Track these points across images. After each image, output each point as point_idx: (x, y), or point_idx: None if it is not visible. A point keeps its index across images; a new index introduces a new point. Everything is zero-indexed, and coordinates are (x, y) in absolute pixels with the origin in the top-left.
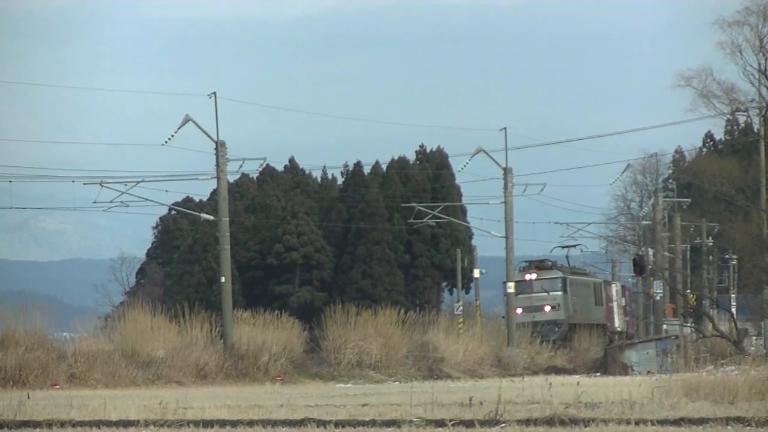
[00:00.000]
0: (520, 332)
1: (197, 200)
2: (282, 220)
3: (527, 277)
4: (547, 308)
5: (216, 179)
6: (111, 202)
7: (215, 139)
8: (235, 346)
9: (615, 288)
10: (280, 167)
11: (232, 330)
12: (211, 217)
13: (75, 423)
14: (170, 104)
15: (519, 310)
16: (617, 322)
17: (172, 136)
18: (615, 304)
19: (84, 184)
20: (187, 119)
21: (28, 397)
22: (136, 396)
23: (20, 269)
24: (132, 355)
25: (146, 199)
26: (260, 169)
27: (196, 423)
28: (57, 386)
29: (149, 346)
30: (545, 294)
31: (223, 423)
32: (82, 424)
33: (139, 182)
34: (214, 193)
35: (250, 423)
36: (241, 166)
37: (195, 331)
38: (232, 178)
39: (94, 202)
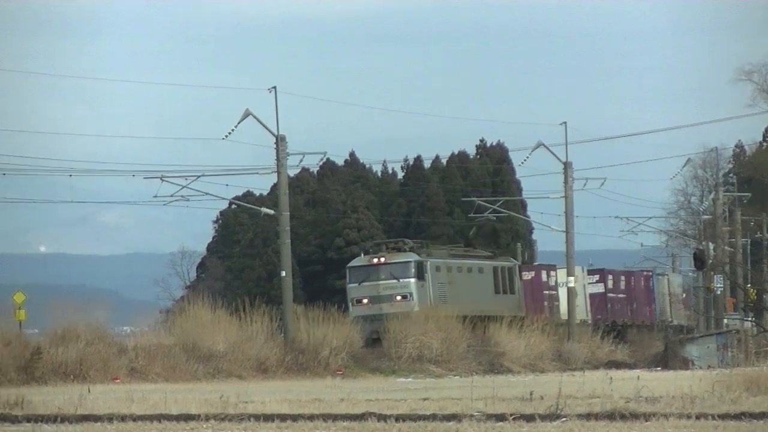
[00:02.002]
0: (578, 328)
1: (257, 194)
2: (342, 214)
3: (374, 260)
4: (398, 297)
5: (276, 173)
6: (171, 196)
7: (275, 133)
8: (295, 341)
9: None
10: (340, 161)
11: (293, 324)
12: (272, 212)
13: (136, 417)
14: (230, 99)
15: (365, 300)
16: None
17: (233, 130)
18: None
19: (144, 178)
20: (247, 113)
21: (89, 391)
22: (197, 390)
23: (81, 263)
24: (192, 349)
25: (207, 194)
26: (320, 163)
27: (257, 417)
28: (117, 380)
29: (210, 340)
30: (395, 281)
31: (283, 417)
32: (143, 418)
33: (199, 176)
34: (275, 188)
35: (311, 417)
36: (301, 161)
37: (255, 326)
38: (292, 173)
39: (155, 197)
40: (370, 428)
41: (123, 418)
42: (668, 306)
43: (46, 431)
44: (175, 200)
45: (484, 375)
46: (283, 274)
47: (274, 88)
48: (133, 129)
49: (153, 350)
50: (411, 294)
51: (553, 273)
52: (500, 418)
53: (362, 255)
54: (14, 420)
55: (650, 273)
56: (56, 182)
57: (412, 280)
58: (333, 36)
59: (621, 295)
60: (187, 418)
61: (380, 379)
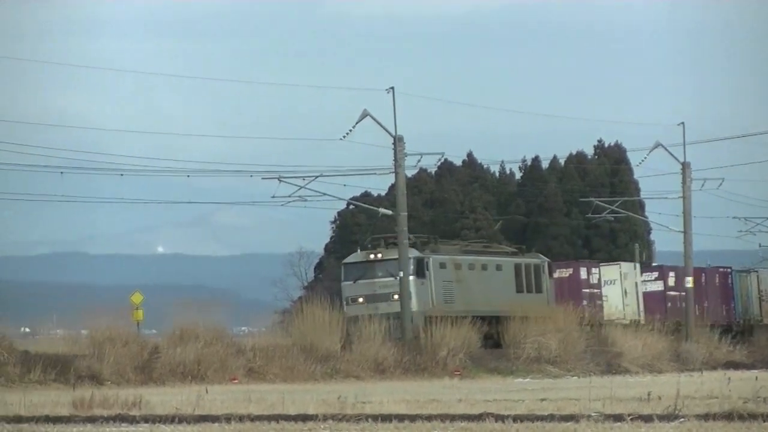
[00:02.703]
0: (701, 328)
1: (375, 195)
2: (460, 214)
3: (371, 257)
4: (396, 296)
5: (394, 174)
6: (289, 196)
7: (393, 133)
8: (413, 341)
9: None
10: (457, 162)
11: (410, 324)
12: (390, 212)
13: (253, 417)
14: (348, 99)
15: (360, 300)
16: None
17: (351, 130)
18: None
19: (263, 178)
20: (365, 114)
21: (207, 392)
22: (314, 390)
23: (199, 264)
24: (310, 349)
25: (324, 194)
26: (438, 163)
27: (375, 417)
28: (235, 380)
29: (327, 341)
30: (392, 279)
31: (401, 417)
32: (260, 418)
33: (317, 177)
34: (392, 188)
35: (429, 417)
36: (419, 161)
37: (373, 326)
38: (410, 173)
39: (273, 197)
40: (487, 429)
41: (240, 419)
42: (757, 305)
43: (163, 431)
44: (293, 201)
45: (602, 375)
46: (401, 274)
47: (392, 88)
48: (253, 129)
49: (271, 351)
50: (409, 293)
51: (595, 270)
52: (618, 418)
53: (359, 251)
54: (132, 420)
55: (728, 270)
56: (174, 183)
57: (411, 277)
58: (451, 36)
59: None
60: (305, 418)
61: (498, 380)
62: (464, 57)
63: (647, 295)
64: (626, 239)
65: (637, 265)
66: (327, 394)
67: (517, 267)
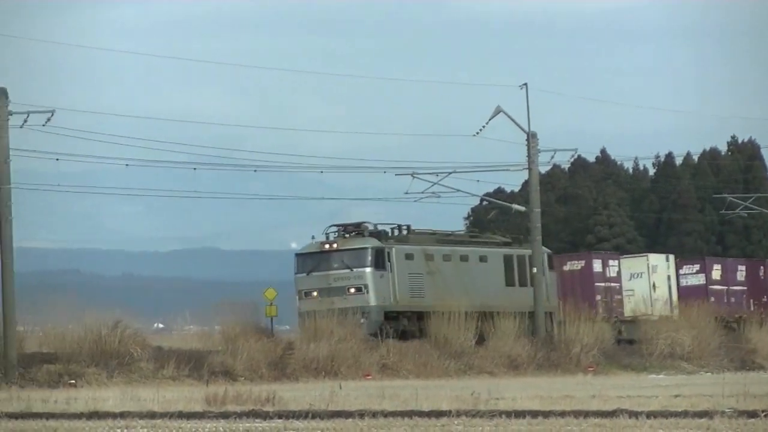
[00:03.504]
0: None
1: (509, 191)
2: (593, 210)
3: (325, 247)
4: (351, 290)
5: (527, 170)
6: (422, 192)
7: (526, 129)
8: (546, 337)
9: None
10: (591, 158)
11: (544, 321)
12: (523, 208)
13: (386, 413)
14: (480, 95)
15: (314, 293)
16: None
17: (484, 126)
18: None
19: (396, 174)
20: (498, 110)
21: (340, 388)
22: (448, 386)
23: None
24: (444, 345)
25: (458, 190)
26: (571, 159)
27: (508, 414)
28: (368, 376)
29: (461, 337)
30: (347, 271)
31: (534, 414)
32: (394, 414)
33: (450, 173)
34: (526, 184)
35: (562, 414)
36: (552, 157)
37: (507, 323)
38: (543, 169)
39: (406, 193)
40: (621, 425)
41: (374, 415)
42: None
43: (298, 427)
44: (426, 197)
45: (735, 371)
46: (534, 270)
47: (525, 84)
48: (385, 126)
49: (404, 347)
50: (366, 286)
51: (613, 262)
52: (752, 414)
53: (312, 239)
54: (265, 416)
55: None
56: (307, 179)
57: (368, 269)
58: (583, 32)
59: (735, 287)
60: (438, 414)
61: (631, 376)
62: (597, 53)
63: (686, 289)
64: (760, 236)
65: (671, 257)
66: (460, 390)
67: (508, 258)
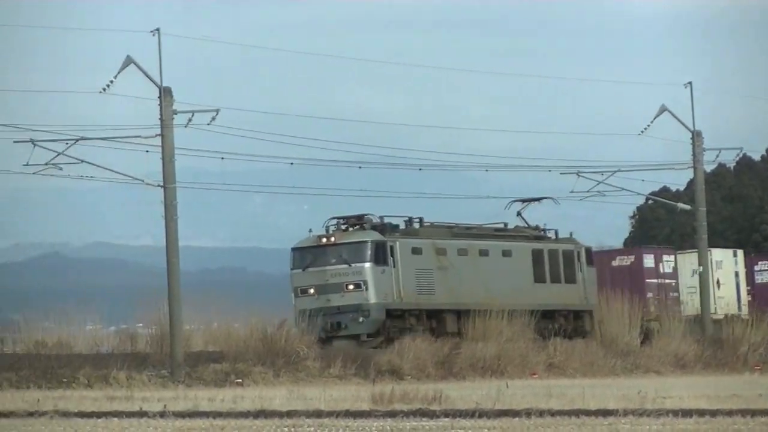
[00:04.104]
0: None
1: (674, 190)
2: (759, 209)
3: (323, 240)
4: (350, 287)
5: (692, 169)
6: (588, 191)
7: (691, 128)
8: (713, 336)
9: None
10: (756, 156)
11: (710, 319)
12: (688, 207)
13: (553, 412)
14: (645, 94)
15: (311, 291)
16: None
17: (648, 125)
18: None
19: (561, 173)
20: (662, 109)
21: (507, 387)
22: (614, 385)
23: None
24: (610, 344)
25: (622, 189)
26: (737, 158)
27: (675, 412)
28: (535, 375)
29: (627, 336)
30: (345, 267)
31: (701, 412)
32: (561, 413)
33: (615, 172)
34: (691, 183)
35: (729, 413)
36: (717, 156)
37: (675, 322)
38: (708, 168)
39: (571, 192)
40: None
41: (540, 414)
42: None
43: (465, 426)
44: (591, 195)
45: None
46: (701, 268)
47: (690, 83)
48: (550, 124)
49: (571, 346)
50: (365, 282)
51: (668, 257)
52: None
53: (310, 233)
54: (432, 415)
55: None
56: (472, 177)
57: (367, 264)
58: (749, 29)
59: None
60: (605, 413)
61: None
62: (764, 50)
63: (762, 287)
64: None
65: (739, 252)
66: (627, 389)
67: (537, 253)
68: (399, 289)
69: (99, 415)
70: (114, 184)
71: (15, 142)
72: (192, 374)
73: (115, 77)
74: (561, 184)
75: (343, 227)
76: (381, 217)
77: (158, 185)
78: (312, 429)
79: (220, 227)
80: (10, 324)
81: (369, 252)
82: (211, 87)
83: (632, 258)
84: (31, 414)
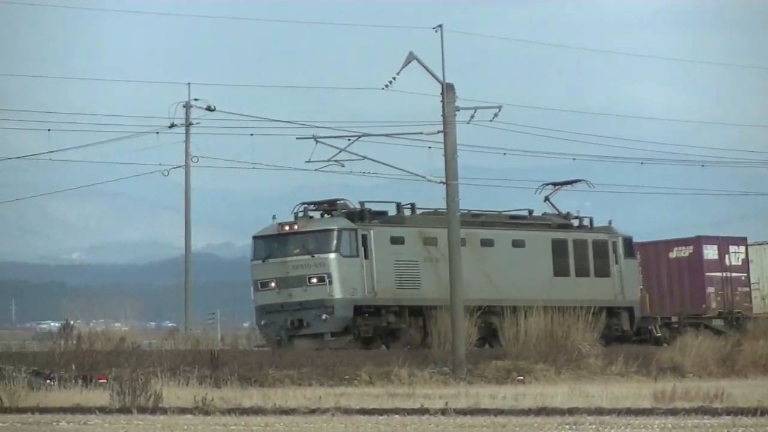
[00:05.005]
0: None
1: None
2: None
3: (285, 228)
4: (313, 280)
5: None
6: None
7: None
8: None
9: None
10: None
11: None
12: None
13: None
14: None
15: (272, 284)
16: None
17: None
18: None
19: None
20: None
21: None
22: None
23: None
24: None
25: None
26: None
27: None
28: None
29: None
30: (307, 257)
31: None
32: None
33: None
34: None
35: None
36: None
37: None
38: None
39: None
40: None
41: None
42: None
43: (746, 424)
44: None
45: None
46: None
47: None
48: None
49: None
50: (329, 275)
51: (737, 249)
52: None
53: (273, 219)
54: (713, 413)
55: None
56: (756, 174)
57: (332, 255)
58: None
59: None
60: None
61: None
62: None
63: None
64: None
65: None
66: None
67: (559, 244)
68: (373, 283)
69: (380, 412)
70: (396, 181)
71: (297, 138)
72: (473, 371)
73: (398, 74)
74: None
75: (311, 214)
76: (362, 203)
77: (440, 182)
78: (593, 427)
79: None
80: None
81: (334, 241)
82: (490, 83)
83: (690, 249)
84: (312, 411)
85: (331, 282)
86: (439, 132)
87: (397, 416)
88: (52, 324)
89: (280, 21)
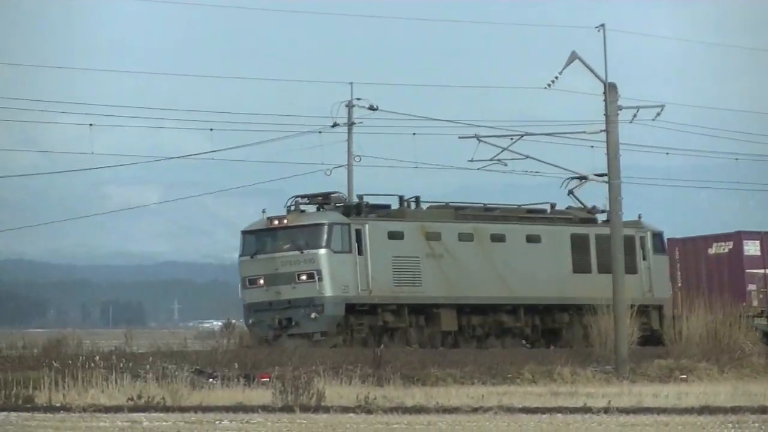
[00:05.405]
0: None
1: None
2: None
3: (274, 222)
4: (303, 277)
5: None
6: None
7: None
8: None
9: None
10: None
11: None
12: None
13: None
14: None
15: (261, 281)
16: None
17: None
18: None
19: None
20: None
21: None
22: None
23: None
24: None
25: None
26: None
27: None
28: None
29: None
30: (297, 253)
31: None
32: None
33: None
34: None
35: None
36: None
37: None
38: None
39: None
40: None
41: None
42: None
43: None
44: None
45: None
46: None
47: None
48: None
49: None
50: (319, 272)
51: None
52: None
53: (263, 213)
54: None
55: None
56: None
57: (322, 251)
58: None
59: None
60: None
61: None
62: None
63: None
64: None
65: None
66: None
67: (579, 239)
68: (368, 280)
69: (543, 411)
70: (559, 180)
71: (460, 138)
72: (636, 370)
73: (560, 73)
74: None
75: (304, 208)
76: (360, 196)
77: (603, 181)
78: (756, 425)
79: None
80: None
81: (325, 236)
82: (652, 82)
83: (730, 245)
84: (475, 410)
85: (320, 279)
86: (601, 131)
87: (559, 415)
88: (214, 323)
89: (442, 20)
